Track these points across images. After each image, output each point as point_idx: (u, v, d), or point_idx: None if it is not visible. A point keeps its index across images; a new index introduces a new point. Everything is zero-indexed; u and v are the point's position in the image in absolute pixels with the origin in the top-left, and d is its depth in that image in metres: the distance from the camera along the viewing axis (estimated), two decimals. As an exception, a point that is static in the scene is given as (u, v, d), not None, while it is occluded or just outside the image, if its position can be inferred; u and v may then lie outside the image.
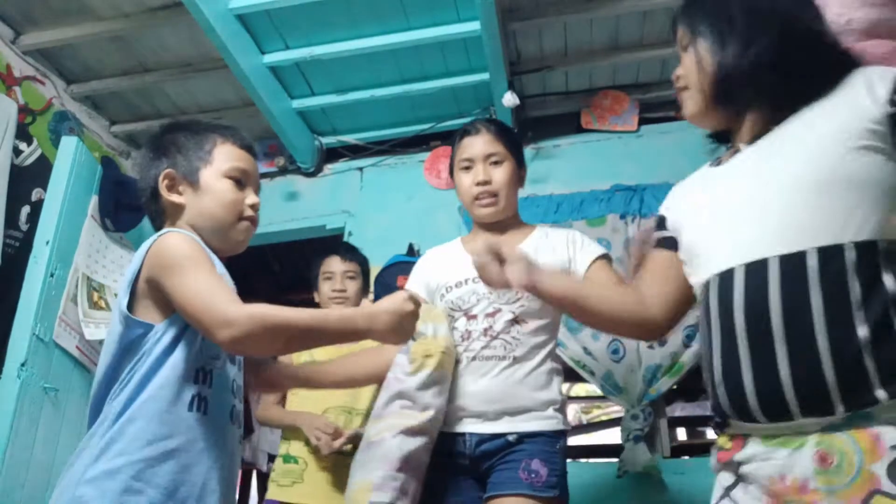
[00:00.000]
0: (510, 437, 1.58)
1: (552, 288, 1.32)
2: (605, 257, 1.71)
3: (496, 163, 1.77)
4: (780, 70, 1.09)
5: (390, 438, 1.54)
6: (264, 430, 5.92)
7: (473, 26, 2.65)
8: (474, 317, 1.68)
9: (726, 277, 1.06)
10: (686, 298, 1.26)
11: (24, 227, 2.70)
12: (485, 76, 2.89)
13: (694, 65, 1.18)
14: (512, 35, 2.86)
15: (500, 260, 1.35)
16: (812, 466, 0.95)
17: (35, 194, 2.77)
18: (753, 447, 1.02)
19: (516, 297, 1.64)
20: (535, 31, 2.87)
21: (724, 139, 1.27)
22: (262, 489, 6.07)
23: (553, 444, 1.60)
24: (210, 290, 1.14)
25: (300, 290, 4.93)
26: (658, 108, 3.15)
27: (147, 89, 3.21)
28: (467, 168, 1.78)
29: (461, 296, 1.70)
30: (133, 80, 3.13)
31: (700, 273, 1.14)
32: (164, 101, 3.27)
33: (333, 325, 1.21)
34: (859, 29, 1.33)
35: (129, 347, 1.20)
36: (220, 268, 1.39)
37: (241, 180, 1.34)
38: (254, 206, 1.35)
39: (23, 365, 2.24)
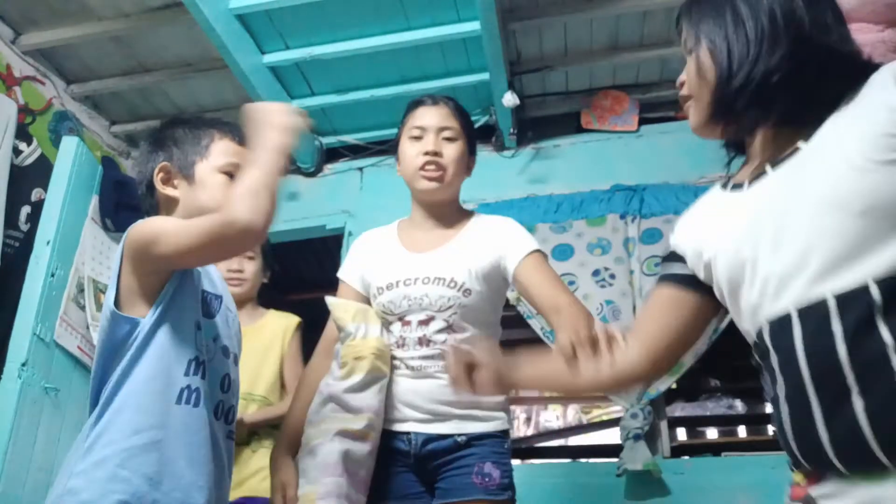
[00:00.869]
0: (459, 439, 1.55)
1: (527, 383, 1.30)
2: (539, 252, 1.62)
3: (449, 139, 1.68)
4: (794, 86, 0.96)
5: (327, 443, 1.50)
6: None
7: (473, 26, 2.65)
8: (408, 323, 1.61)
9: (782, 324, 0.93)
10: (678, 342, 1.15)
11: (25, 228, 2.70)
12: (485, 76, 2.89)
13: (695, 72, 1.06)
14: (512, 35, 2.86)
15: (469, 366, 1.23)
16: None
17: (35, 194, 2.77)
18: (832, 485, 0.90)
19: (448, 304, 1.59)
20: (535, 31, 2.87)
21: (738, 147, 1.14)
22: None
23: (501, 445, 1.57)
24: (191, 221, 1.17)
25: (300, 290, 4.94)
26: (658, 108, 3.15)
27: (147, 89, 3.21)
28: (417, 137, 1.68)
29: (392, 300, 1.63)
30: (133, 80, 3.13)
31: (750, 322, 1.01)
32: (164, 101, 3.27)
33: (273, 161, 1.21)
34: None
35: (118, 344, 1.20)
36: (214, 271, 1.39)
37: (234, 175, 1.34)
38: None
39: (24, 365, 2.24)
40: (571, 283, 2.72)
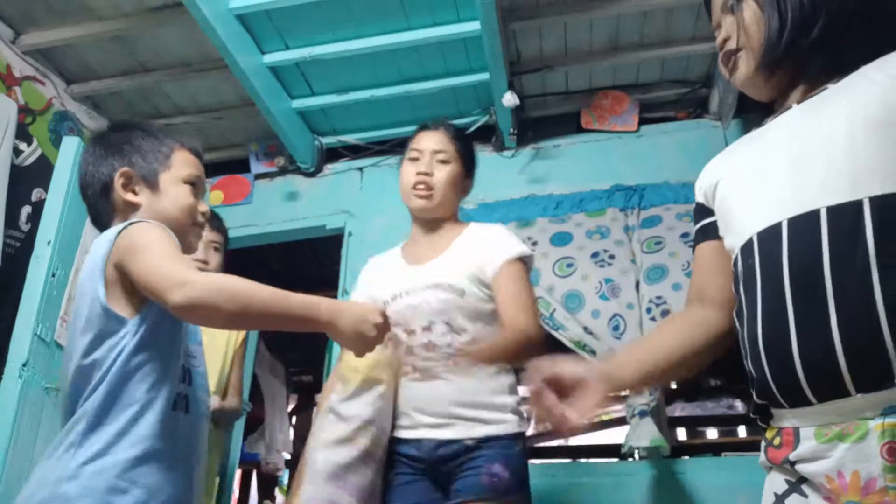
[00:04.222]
0: (467, 443, 1.58)
1: (631, 382, 1.13)
2: (519, 261, 1.67)
3: (443, 161, 1.80)
4: (858, 30, 0.96)
5: (315, 453, 1.55)
6: (274, 429, 5.93)
7: (473, 26, 2.65)
8: (413, 332, 1.67)
9: (771, 233, 0.93)
10: None
11: (25, 228, 2.70)
12: (485, 76, 2.89)
13: (745, 25, 1.04)
14: (512, 35, 2.86)
15: (558, 387, 1.02)
16: (879, 461, 0.81)
17: (35, 194, 2.77)
18: (807, 444, 0.88)
19: (446, 307, 1.65)
20: (535, 31, 2.87)
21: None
22: (262, 489, 6.08)
23: (511, 447, 1.59)
24: (171, 260, 1.14)
25: (300, 290, 4.95)
26: (658, 108, 3.15)
27: (147, 89, 3.21)
28: (414, 159, 1.82)
29: (398, 310, 1.68)
30: (133, 80, 3.13)
31: (739, 234, 1.00)
32: (164, 101, 3.28)
33: (296, 309, 1.16)
34: None
35: (103, 341, 1.18)
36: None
37: (196, 185, 1.38)
38: (204, 214, 1.39)
39: (24, 365, 2.24)
40: (570, 265, 2.71)
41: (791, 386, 0.87)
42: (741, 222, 1.00)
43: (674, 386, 5.31)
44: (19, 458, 2.18)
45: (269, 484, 6.25)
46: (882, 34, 0.95)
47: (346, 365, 1.63)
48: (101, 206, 1.34)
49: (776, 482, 0.95)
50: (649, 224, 2.77)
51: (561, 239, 2.82)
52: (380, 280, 1.81)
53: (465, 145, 1.87)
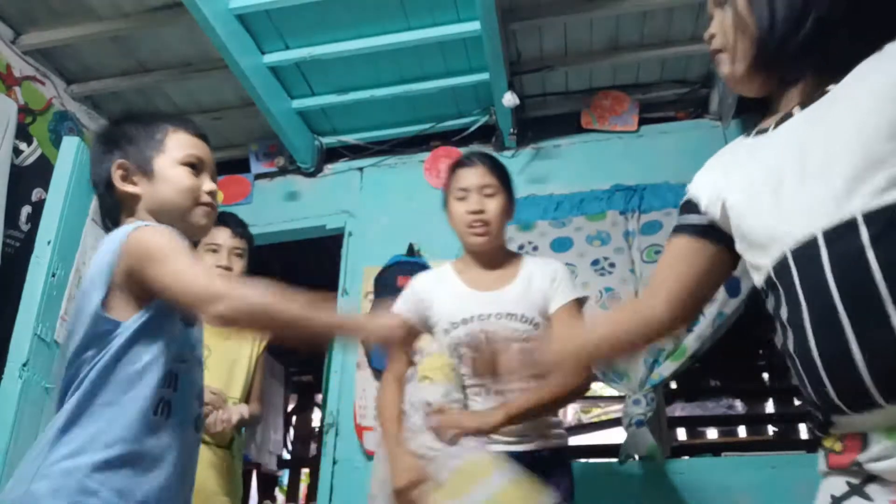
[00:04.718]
0: (536, 454, 1.72)
1: (563, 359, 1.25)
2: (576, 301, 1.83)
3: (490, 195, 1.87)
4: (845, 32, 0.94)
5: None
6: (269, 430, 5.93)
7: (473, 26, 2.65)
8: None
9: (807, 248, 0.90)
10: (698, 293, 1.15)
11: (25, 228, 2.70)
12: (485, 76, 2.89)
13: (732, 23, 1.03)
14: (512, 35, 2.86)
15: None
16: None
17: (35, 194, 2.77)
18: (879, 445, 0.85)
19: (521, 336, 1.74)
20: (535, 31, 2.87)
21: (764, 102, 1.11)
22: (263, 489, 6.08)
23: (567, 460, 1.81)
24: (198, 269, 1.17)
25: (300, 290, 4.94)
26: (658, 108, 3.16)
27: (147, 89, 3.21)
28: (462, 198, 1.87)
29: (469, 333, 1.76)
30: (133, 80, 3.13)
31: (767, 252, 0.97)
32: (164, 101, 3.28)
33: (319, 328, 1.22)
34: None
35: (92, 343, 1.18)
36: None
37: (196, 166, 1.33)
38: (211, 193, 1.35)
39: (24, 365, 2.24)
40: (570, 272, 2.73)
41: (858, 393, 0.85)
42: (768, 238, 0.97)
43: (674, 386, 5.31)
44: (19, 458, 2.16)
45: (269, 484, 6.26)
46: (873, 32, 0.93)
47: (428, 364, 1.75)
48: (110, 203, 1.34)
49: (835, 485, 0.92)
50: (649, 230, 2.78)
51: (561, 244, 2.83)
52: (441, 303, 1.86)
53: (504, 173, 1.94)
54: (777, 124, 1.02)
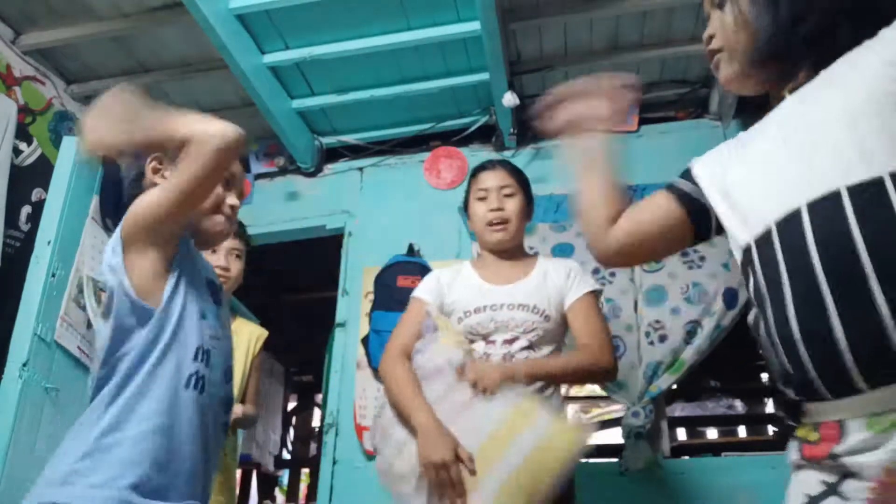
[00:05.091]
0: None
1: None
2: (592, 293, 1.89)
3: (509, 195, 1.96)
4: (854, 22, 0.94)
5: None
6: (268, 431, 5.93)
7: (473, 26, 2.65)
8: (493, 342, 1.82)
9: (790, 220, 0.89)
10: (646, 245, 1.19)
11: (25, 228, 2.70)
12: (485, 76, 2.89)
13: (733, 21, 1.03)
14: (512, 35, 2.86)
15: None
16: None
17: (35, 194, 2.77)
18: (857, 436, 0.82)
19: (532, 327, 1.81)
20: (535, 31, 2.87)
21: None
22: (263, 489, 6.08)
23: None
24: (175, 173, 1.21)
25: (300, 290, 4.95)
26: (658, 108, 3.16)
27: (147, 89, 3.20)
28: (482, 199, 1.97)
29: (480, 322, 1.84)
30: (133, 80, 3.13)
31: (750, 227, 0.97)
32: (165, 101, 3.27)
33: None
34: None
35: (129, 331, 1.20)
36: (202, 260, 1.40)
37: (226, 180, 1.35)
38: (233, 208, 1.37)
39: (24, 365, 2.24)
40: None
41: (838, 375, 0.82)
42: (752, 213, 0.97)
43: (674, 386, 5.31)
44: (19, 458, 2.18)
45: (269, 484, 6.26)
46: (875, 26, 0.93)
47: (452, 333, 1.81)
48: (136, 191, 1.34)
49: (809, 482, 0.89)
50: None
51: (562, 251, 2.83)
52: (458, 293, 1.92)
53: (523, 177, 2.03)
54: (773, 111, 1.03)
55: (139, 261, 1.22)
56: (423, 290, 1.95)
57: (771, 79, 1.04)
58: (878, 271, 0.80)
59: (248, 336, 2.39)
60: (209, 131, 1.17)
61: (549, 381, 1.75)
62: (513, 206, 1.95)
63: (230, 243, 2.25)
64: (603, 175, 1.24)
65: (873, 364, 0.80)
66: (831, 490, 0.85)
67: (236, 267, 2.25)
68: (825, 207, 0.85)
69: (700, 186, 1.12)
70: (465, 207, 2.06)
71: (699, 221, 1.13)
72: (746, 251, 0.98)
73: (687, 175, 1.16)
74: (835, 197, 0.85)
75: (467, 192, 2.05)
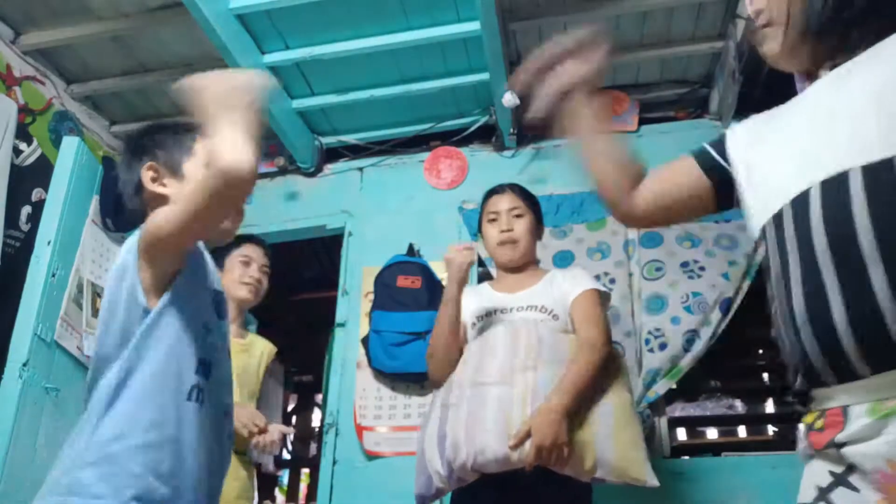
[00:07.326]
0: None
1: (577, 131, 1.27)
2: (597, 293, 1.98)
3: (518, 216, 2.09)
4: None
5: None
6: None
7: (473, 26, 2.65)
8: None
9: (803, 199, 0.87)
10: (674, 209, 1.21)
11: (25, 228, 2.70)
12: (485, 76, 2.89)
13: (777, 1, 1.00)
14: (512, 35, 2.86)
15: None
16: None
17: (35, 194, 2.77)
18: (859, 422, 0.80)
19: (541, 318, 1.92)
20: (535, 31, 2.87)
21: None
22: (263, 489, 6.07)
23: None
24: (183, 192, 1.21)
25: (300, 290, 4.94)
26: (658, 108, 3.16)
27: (147, 89, 3.21)
28: (493, 220, 2.10)
29: (490, 323, 1.98)
30: (133, 80, 3.13)
31: (767, 205, 0.96)
32: (164, 101, 3.27)
33: (238, 121, 1.17)
34: None
35: (128, 333, 1.19)
36: (212, 272, 1.40)
37: None
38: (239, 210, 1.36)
39: (24, 365, 2.24)
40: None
41: (840, 358, 0.81)
42: (770, 190, 0.96)
43: (674, 386, 5.30)
44: (19, 458, 2.18)
45: (269, 484, 6.25)
46: None
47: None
48: (137, 204, 1.35)
49: (818, 474, 0.86)
50: (649, 243, 2.78)
51: (563, 259, 2.84)
52: (471, 301, 2.05)
53: (532, 199, 2.16)
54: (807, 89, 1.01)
55: (144, 272, 1.21)
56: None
57: (817, 54, 1.00)
58: (882, 253, 0.78)
59: (260, 350, 2.42)
60: (221, 163, 1.06)
61: (584, 394, 1.77)
62: (522, 226, 2.08)
63: (263, 260, 2.38)
64: (608, 138, 1.26)
65: (873, 348, 0.78)
66: (839, 480, 0.83)
67: (265, 282, 2.36)
68: (835, 187, 0.84)
69: (729, 159, 1.11)
70: (479, 230, 2.18)
71: (725, 193, 1.13)
72: (762, 231, 0.97)
73: (719, 145, 1.15)
74: (846, 176, 0.83)
75: (480, 216, 2.17)
